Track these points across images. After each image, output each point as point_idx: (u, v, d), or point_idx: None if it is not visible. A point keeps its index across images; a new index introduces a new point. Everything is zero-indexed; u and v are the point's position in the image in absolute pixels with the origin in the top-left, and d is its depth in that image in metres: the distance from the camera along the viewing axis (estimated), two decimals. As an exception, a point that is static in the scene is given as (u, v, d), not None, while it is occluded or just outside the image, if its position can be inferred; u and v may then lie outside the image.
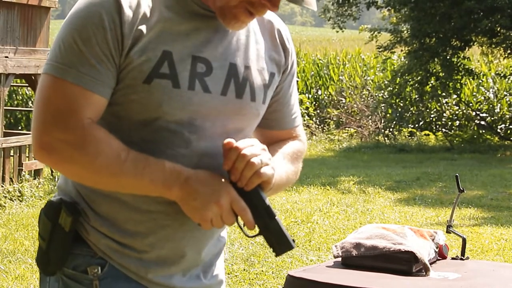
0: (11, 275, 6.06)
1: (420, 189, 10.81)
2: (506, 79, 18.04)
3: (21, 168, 9.59)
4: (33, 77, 9.97)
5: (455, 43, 16.08)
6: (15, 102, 19.11)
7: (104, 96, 1.83)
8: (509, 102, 17.54)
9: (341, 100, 19.14)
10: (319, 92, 20.00)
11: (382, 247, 3.12)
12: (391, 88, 17.29)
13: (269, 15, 2.05)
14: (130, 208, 1.90)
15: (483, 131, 17.08)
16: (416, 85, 16.45)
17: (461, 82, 16.48)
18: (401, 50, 17.26)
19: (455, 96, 17.15)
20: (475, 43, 16.61)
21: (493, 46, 16.50)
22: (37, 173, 9.97)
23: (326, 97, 19.74)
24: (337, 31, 18.46)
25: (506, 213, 9.08)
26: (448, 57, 15.92)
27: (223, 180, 1.85)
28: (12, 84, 11.08)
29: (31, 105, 18.04)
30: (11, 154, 9.54)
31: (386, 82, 18.06)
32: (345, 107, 18.91)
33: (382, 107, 17.85)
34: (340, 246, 3.22)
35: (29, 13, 9.78)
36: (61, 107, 1.81)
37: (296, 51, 22.23)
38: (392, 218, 8.63)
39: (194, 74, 1.87)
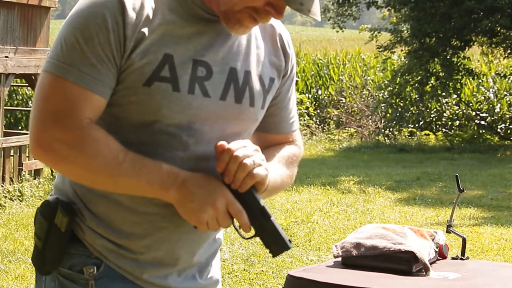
0: (11, 275, 6.06)
1: (420, 189, 10.81)
2: (506, 79, 18.05)
3: (21, 168, 9.60)
4: (33, 77, 9.97)
5: (455, 43, 16.08)
6: (15, 102, 19.11)
7: (103, 96, 1.83)
8: (509, 102, 17.54)
9: (341, 100, 19.14)
10: (319, 92, 20.01)
11: (382, 247, 3.12)
12: (391, 88, 17.29)
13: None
14: (127, 209, 1.90)
15: (483, 131, 17.09)
16: (416, 85, 16.45)
17: (461, 82, 16.48)
18: (401, 50, 17.27)
19: (455, 96, 17.16)
20: (475, 43, 16.61)
21: (493, 46, 16.51)
22: (37, 173, 9.97)
23: (326, 97, 19.75)
24: (337, 31, 18.47)
25: (506, 213, 9.08)
26: (448, 57, 15.92)
27: (219, 182, 1.85)
28: (12, 84, 11.08)
29: (31, 105, 17.98)
30: (11, 154, 9.54)
31: (386, 82, 18.06)
32: (345, 107, 18.91)
33: (382, 107, 17.85)
34: (340, 246, 3.21)
35: (29, 13, 9.78)
36: (60, 106, 1.80)
37: (296, 51, 22.23)
38: (392, 218, 8.63)
39: (194, 78, 1.87)
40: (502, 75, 17.50)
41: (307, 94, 19.63)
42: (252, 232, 1.89)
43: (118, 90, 1.85)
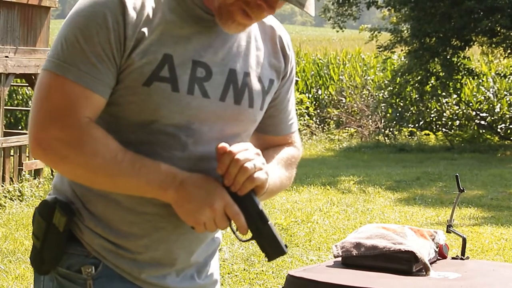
0: (11, 274, 6.06)
1: (420, 188, 10.81)
2: (506, 79, 18.05)
3: (21, 167, 9.59)
4: (33, 77, 9.97)
5: (455, 43, 16.08)
6: (15, 102, 19.11)
7: (103, 95, 1.83)
8: (509, 102, 17.54)
9: (341, 100, 19.14)
10: (319, 92, 20.01)
11: (382, 247, 3.12)
12: (391, 88, 17.29)
13: (271, 20, 2.05)
14: (125, 209, 1.90)
15: (483, 130, 17.08)
16: (416, 84, 16.45)
17: (461, 82, 16.48)
18: (401, 50, 17.27)
19: (455, 96, 17.16)
20: (475, 43, 16.61)
21: (493, 46, 16.51)
22: (37, 172, 9.97)
23: (326, 97, 19.75)
24: (337, 31, 18.46)
25: (506, 212, 9.08)
26: (448, 57, 15.92)
27: (218, 184, 1.85)
28: (12, 84, 11.08)
29: (31, 104, 18.02)
30: (11, 153, 9.54)
31: (386, 82, 18.06)
32: (345, 107, 18.91)
33: (382, 107, 17.85)
34: (340, 245, 3.21)
35: (29, 13, 9.78)
36: (60, 105, 1.80)
37: (296, 51, 22.23)
38: (392, 217, 8.63)
39: (194, 79, 1.87)
40: (502, 75, 17.51)
41: (307, 94, 19.62)
42: (249, 234, 1.88)
43: (117, 89, 1.85)
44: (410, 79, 16.49)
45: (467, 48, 16.38)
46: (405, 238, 3.17)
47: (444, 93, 16.50)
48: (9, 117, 18.23)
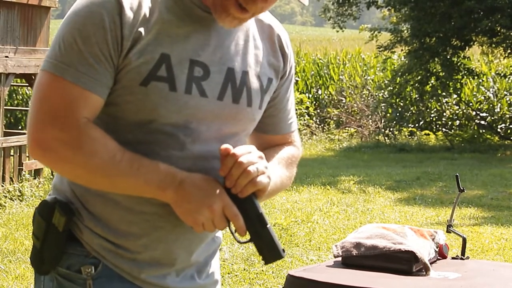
0: (11, 274, 6.06)
1: (420, 188, 10.81)
2: (506, 79, 18.05)
3: (21, 167, 9.59)
4: (33, 77, 9.97)
5: (455, 42, 16.09)
6: (15, 102, 19.11)
7: (101, 96, 1.83)
8: (509, 102, 17.54)
9: (341, 100, 19.14)
10: (319, 92, 20.01)
11: (382, 247, 3.12)
12: (391, 88, 17.29)
13: (269, 19, 2.05)
14: (124, 208, 1.90)
15: (483, 130, 17.09)
16: (416, 84, 16.45)
17: (461, 81, 16.48)
18: (401, 50, 17.27)
19: (455, 96, 17.16)
20: (475, 43, 16.62)
21: (493, 45, 16.51)
22: (37, 172, 9.97)
23: (326, 97, 19.75)
24: (337, 31, 18.47)
25: (506, 212, 9.08)
26: (448, 57, 15.93)
27: (217, 184, 1.85)
28: (12, 83, 11.08)
29: (30, 105, 18.01)
30: (11, 153, 9.54)
31: (386, 82, 18.06)
32: (345, 107, 18.91)
33: (382, 107, 17.85)
34: (340, 245, 3.21)
35: (29, 12, 9.78)
36: (58, 105, 1.80)
37: (296, 50, 22.23)
38: (392, 217, 8.63)
39: (191, 78, 1.87)
40: (502, 75, 17.51)
41: (307, 94, 19.62)
42: (248, 236, 1.88)
43: (115, 89, 1.85)
44: (410, 79, 16.49)
45: (467, 48, 16.38)
46: (405, 238, 3.17)
47: (444, 93, 16.50)
48: (9, 117, 18.23)
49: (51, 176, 10.25)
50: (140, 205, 1.89)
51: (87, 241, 1.92)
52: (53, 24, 10.98)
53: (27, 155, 9.90)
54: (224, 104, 1.91)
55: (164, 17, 1.86)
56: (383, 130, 17.69)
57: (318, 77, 20.41)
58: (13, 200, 8.97)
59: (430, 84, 16.43)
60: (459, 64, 16.12)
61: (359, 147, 16.64)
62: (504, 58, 17.36)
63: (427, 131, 17.30)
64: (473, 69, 16.58)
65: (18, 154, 9.60)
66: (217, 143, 1.89)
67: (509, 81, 18.15)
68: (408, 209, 9.20)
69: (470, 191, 10.24)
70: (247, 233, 1.87)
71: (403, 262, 3.09)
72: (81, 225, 1.92)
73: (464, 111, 17.58)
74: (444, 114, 17.69)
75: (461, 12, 15.24)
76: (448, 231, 3.50)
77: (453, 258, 3.44)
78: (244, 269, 6.23)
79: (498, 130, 17.06)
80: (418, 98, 16.91)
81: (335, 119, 18.69)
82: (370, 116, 18.14)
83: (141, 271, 1.93)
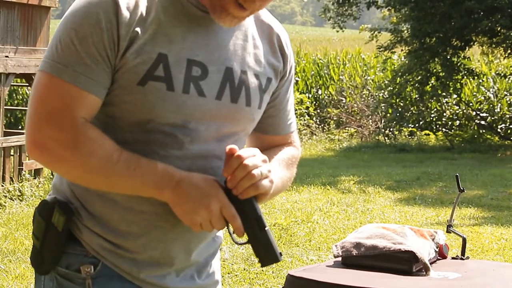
0: (11, 274, 6.06)
1: (420, 188, 10.81)
2: (506, 79, 18.05)
3: (21, 167, 9.60)
4: (33, 77, 9.93)
5: (455, 43, 16.09)
6: (15, 102, 19.11)
7: (98, 96, 1.83)
8: (509, 102, 17.54)
9: (342, 100, 19.14)
10: (320, 92, 20.01)
11: (382, 247, 3.12)
12: (391, 88, 17.29)
13: (269, 19, 2.04)
14: (123, 208, 1.90)
15: (483, 130, 17.09)
16: (417, 85, 16.45)
17: (461, 82, 16.48)
18: (401, 50, 17.27)
19: (455, 96, 17.16)
20: (475, 43, 16.62)
21: (493, 46, 16.51)
22: (37, 172, 9.97)
23: (326, 97, 19.75)
24: (338, 31, 18.47)
25: (506, 212, 9.08)
26: (448, 57, 15.93)
27: (216, 184, 1.85)
28: (12, 83, 11.08)
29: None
30: (11, 153, 9.54)
31: (386, 82, 18.06)
32: (345, 107, 18.91)
33: (382, 107, 17.85)
34: (340, 245, 3.21)
35: (29, 12, 9.78)
36: (55, 106, 1.81)
37: (297, 50, 22.23)
38: (392, 217, 8.64)
39: (189, 78, 1.86)
40: (502, 75, 17.51)
41: (307, 94, 19.62)
42: (245, 238, 1.88)
43: (112, 89, 1.85)
44: (410, 79, 16.49)
45: (467, 48, 16.39)
46: (405, 238, 3.17)
47: (444, 93, 16.50)
48: (9, 117, 18.23)
49: (51, 176, 10.25)
50: (139, 204, 1.89)
51: (87, 241, 1.92)
52: (53, 24, 10.96)
53: (27, 155, 9.90)
54: (223, 104, 1.91)
55: (161, 17, 1.86)
56: (383, 130, 17.69)
57: (318, 77, 20.41)
58: (13, 200, 8.97)
59: (430, 84, 16.43)
60: (459, 64, 16.12)
61: (359, 147, 16.64)
62: (504, 58, 17.36)
63: (427, 131, 17.30)
64: (473, 69, 16.58)
65: (18, 154, 9.60)
66: (216, 143, 1.89)
67: (509, 81, 18.15)
68: (408, 209, 9.20)
69: (470, 191, 10.24)
70: (245, 234, 1.87)
71: (403, 262, 3.09)
72: (80, 224, 1.92)
73: (464, 111, 17.58)
74: (444, 114, 17.69)
75: (461, 12, 15.24)
76: (448, 231, 3.50)
77: (453, 258, 3.44)
78: (244, 269, 6.23)
79: (498, 130, 17.06)
80: (418, 98, 16.91)
81: (335, 119, 18.69)
82: (370, 116, 18.14)
83: (141, 271, 1.93)
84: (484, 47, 16.98)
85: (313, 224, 8.08)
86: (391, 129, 17.65)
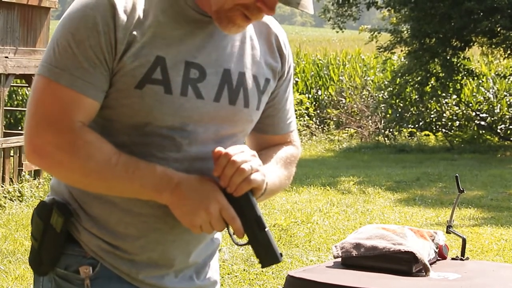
0: (11, 275, 6.05)
1: (420, 189, 10.81)
2: (506, 80, 18.05)
3: (21, 168, 9.59)
4: (33, 78, 9.93)
5: (455, 43, 16.09)
6: (15, 103, 19.10)
7: (96, 99, 1.83)
8: (509, 103, 17.54)
9: (341, 101, 19.14)
10: (319, 93, 20.00)
11: (382, 248, 3.12)
12: (391, 89, 17.29)
13: (266, 19, 2.03)
14: (122, 210, 1.90)
15: (483, 131, 17.09)
16: (416, 85, 16.45)
17: (461, 82, 16.48)
18: (401, 51, 17.27)
19: (455, 97, 17.16)
20: (475, 44, 16.61)
21: (493, 46, 16.51)
22: (37, 173, 9.96)
23: (326, 98, 19.74)
24: (337, 32, 18.47)
25: (506, 213, 9.08)
26: (448, 58, 15.92)
27: (215, 186, 1.84)
28: (12, 84, 11.07)
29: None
30: (11, 154, 9.53)
31: (386, 83, 18.06)
32: (345, 108, 18.91)
33: (382, 108, 17.85)
34: (340, 246, 3.21)
35: (29, 13, 9.78)
36: (53, 110, 1.81)
37: (296, 51, 22.23)
38: (392, 218, 8.63)
39: (187, 80, 1.86)
40: (502, 75, 17.52)
41: (307, 95, 19.61)
42: (246, 239, 1.88)
43: (110, 92, 1.85)
44: (410, 80, 16.49)
45: (467, 48, 16.39)
46: (405, 239, 3.17)
47: (444, 94, 16.50)
48: (9, 117, 18.22)
49: (51, 177, 10.22)
50: (137, 207, 1.89)
51: (85, 242, 1.92)
52: (53, 25, 10.97)
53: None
54: (221, 106, 1.91)
55: (160, 20, 1.86)
56: (383, 130, 17.69)
57: (318, 78, 20.41)
58: (13, 201, 8.97)
59: (430, 85, 16.42)
60: (459, 64, 16.12)
61: (359, 147, 16.64)
62: (504, 58, 17.36)
63: (427, 132, 17.30)
64: (473, 69, 16.58)
65: (18, 154, 9.60)
66: (215, 145, 1.89)
67: (509, 81, 18.15)
68: (408, 210, 9.20)
69: (470, 192, 10.24)
70: (245, 235, 1.87)
71: (403, 263, 3.09)
72: (78, 226, 1.92)
73: (464, 111, 17.58)
74: (444, 114, 17.69)
75: (461, 13, 15.24)
76: (448, 232, 3.50)
77: (452, 258, 3.44)
78: (244, 270, 6.23)
79: (498, 130, 17.06)
80: (418, 99, 16.91)
81: (335, 119, 18.69)
82: (370, 117, 18.14)
83: (139, 272, 1.93)
84: (484, 47, 16.98)
85: (313, 225, 8.07)
86: (391, 130, 17.65)
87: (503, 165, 13.66)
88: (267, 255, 1.87)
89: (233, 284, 5.93)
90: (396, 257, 3.09)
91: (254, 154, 1.87)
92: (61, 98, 1.81)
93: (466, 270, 3.23)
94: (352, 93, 19.10)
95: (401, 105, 17.37)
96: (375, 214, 8.87)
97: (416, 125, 17.68)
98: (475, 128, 17.22)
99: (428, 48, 15.83)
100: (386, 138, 17.38)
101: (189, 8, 1.89)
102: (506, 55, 16.53)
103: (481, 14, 15.46)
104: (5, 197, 8.98)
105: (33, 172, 9.90)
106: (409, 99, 17.18)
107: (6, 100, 17.69)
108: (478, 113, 17.39)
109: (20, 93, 19.13)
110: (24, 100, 19.02)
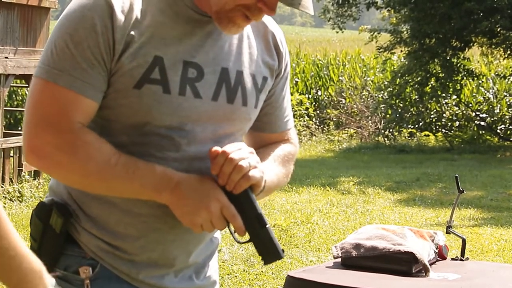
0: (10, 275, 6.05)
1: (420, 189, 10.81)
2: (506, 80, 18.06)
3: (21, 168, 9.59)
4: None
5: (455, 43, 16.09)
6: (15, 103, 19.10)
7: (95, 100, 1.83)
8: (508, 103, 17.55)
9: (341, 101, 19.14)
10: (319, 93, 20.00)
11: (381, 248, 3.12)
12: (391, 89, 17.29)
13: (264, 18, 2.04)
14: (121, 210, 1.89)
15: (483, 131, 17.09)
16: (416, 85, 16.45)
17: (461, 82, 16.49)
18: (401, 51, 17.27)
19: (455, 97, 17.16)
20: (475, 44, 16.62)
21: (493, 46, 16.51)
22: (37, 173, 9.96)
23: (326, 98, 19.74)
24: (337, 32, 18.47)
25: (506, 213, 9.08)
26: (448, 58, 15.93)
27: (214, 185, 1.85)
28: (12, 84, 11.08)
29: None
30: (11, 154, 9.54)
31: (386, 83, 18.06)
32: (345, 108, 18.91)
33: (382, 108, 17.85)
34: (340, 246, 3.22)
35: (29, 13, 9.78)
36: (52, 111, 1.81)
37: (296, 51, 22.24)
38: (392, 218, 8.63)
39: (185, 80, 1.86)
40: (501, 76, 17.52)
41: (306, 95, 19.62)
42: (247, 237, 1.88)
43: (109, 93, 1.85)
44: (410, 80, 16.49)
45: (466, 49, 16.39)
46: (404, 239, 3.17)
47: (444, 94, 16.50)
48: (9, 118, 18.22)
49: (50, 178, 10.24)
50: (137, 207, 1.89)
51: (85, 243, 1.92)
52: (52, 25, 10.94)
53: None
54: (219, 105, 1.91)
55: (158, 20, 1.86)
56: (382, 131, 17.69)
57: (317, 78, 20.41)
58: (12, 201, 8.97)
59: (430, 85, 16.43)
60: (458, 65, 16.13)
61: (358, 148, 16.64)
62: (503, 59, 17.37)
63: (426, 132, 17.30)
64: (473, 70, 16.59)
65: (17, 155, 9.60)
66: (213, 144, 1.89)
67: (509, 82, 18.16)
68: (408, 210, 9.20)
69: (470, 192, 10.24)
70: (247, 233, 1.87)
71: (403, 263, 3.09)
72: (78, 226, 1.92)
73: (464, 112, 17.58)
74: (444, 115, 17.69)
75: (461, 13, 15.25)
76: (447, 232, 3.50)
77: (452, 259, 3.44)
78: (244, 270, 6.23)
79: (498, 131, 17.06)
80: (417, 99, 16.91)
81: (334, 120, 18.69)
82: (369, 117, 18.14)
83: (139, 272, 1.93)
84: (483, 48, 16.99)
85: (313, 225, 8.08)
86: (391, 130, 17.65)
87: (503, 165, 13.66)
88: (269, 251, 1.87)
89: (233, 284, 5.93)
90: (396, 257, 3.09)
91: (252, 151, 1.87)
92: (60, 99, 1.81)
93: (466, 270, 3.23)
94: (352, 93, 19.10)
95: (401, 105, 17.38)
96: (375, 215, 8.87)
97: (416, 126, 17.68)
98: (475, 129, 17.23)
99: (428, 48, 15.83)
100: (386, 139, 17.39)
101: (187, 8, 1.89)
102: (506, 56, 16.53)
103: (481, 14, 15.47)
104: (5, 198, 8.98)
105: (33, 173, 9.91)
106: (409, 100, 17.18)
107: (6, 101, 17.69)
108: (478, 113, 17.40)
109: (20, 93, 19.13)
110: (24, 101, 19.02)
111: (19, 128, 17.69)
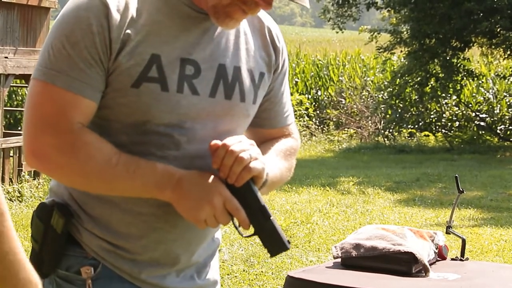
0: (10, 275, 6.05)
1: (419, 190, 10.81)
2: (506, 80, 18.06)
3: (20, 168, 9.59)
4: (33, 78, 9.96)
5: (455, 44, 16.09)
6: (15, 103, 19.10)
7: (93, 100, 1.83)
8: (508, 103, 17.55)
9: (341, 101, 19.15)
10: (319, 93, 20.01)
11: (381, 248, 3.12)
12: (391, 89, 17.29)
13: (260, 13, 2.03)
14: (122, 210, 1.89)
15: (483, 132, 17.09)
16: (416, 86, 16.46)
17: (461, 83, 16.49)
18: (401, 51, 17.27)
19: (454, 97, 17.17)
20: (475, 44, 16.62)
21: (493, 47, 16.52)
22: (36, 173, 9.96)
23: (325, 98, 19.75)
24: (337, 32, 18.48)
25: (506, 214, 9.08)
26: (448, 58, 15.93)
27: (216, 179, 1.84)
28: (11, 84, 11.08)
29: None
30: (11, 154, 9.54)
31: (386, 83, 18.07)
32: (345, 108, 18.91)
33: (382, 108, 17.85)
34: (339, 246, 3.22)
35: (28, 13, 9.78)
36: (51, 112, 1.81)
37: (296, 51, 22.25)
38: (392, 219, 8.63)
39: (183, 77, 1.86)
40: (501, 76, 17.53)
41: (306, 95, 19.62)
42: (251, 230, 1.88)
43: (107, 92, 1.85)
44: (410, 80, 16.49)
45: (466, 49, 16.39)
46: (404, 239, 3.17)
47: (443, 94, 16.50)
48: (9, 118, 18.22)
49: (50, 178, 10.23)
50: (138, 206, 1.89)
51: (86, 243, 1.91)
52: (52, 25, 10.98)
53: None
54: (216, 101, 1.91)
55: (154, 18, 1.86)
56: (382, 131, 17.69)
57: (317, 78, 20.42)
58: (12, 201, 8.97)
59: (430, 85, 16.43)
60: (458, 65, 16.13)
61: (358, 148, 16.64)
62: (503, 59, 17.37)
63: (426, 132, 17.30)
64: (473, 70, 16.59)
65: (17, 155, 9.60)
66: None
67: (509, 82, 18.16)
68: (408, 210, 9.20)
69: (470, 192, 10.24)
70: (251, 226, 1.87)
71: (403, 263, 3.09)
72: (79, 226, 1.92)
73: (464, 112, 17.59)
74: (444, 115, 17.70)
75: (460, 13, 15.25)
76: (447, 232, 3.50)
77: (452, 259, 3.44)
78: (244, 270, 6.23)
79: (498, 131, 17.07)
80: (417, 99, 16.91)
81: (334, 120, 18.70)
82: (369, 117, 18.15)
83: (141, 272, 1.93)
84: (483, 48, 16.99)
85: (313, 225, 8.08)
86: (391, 130, 17.66)
87: (502, 165, 13.66)
88: (274, 243, 1.87)
89: (233, 284, 5.93)
90: (396, 257, 3.09)
91: (253, 143, 1.87)
92: (59, 100, 1.81)
93: (465, 270, 3.23)
94: (351, 93, 19.11)
95: (401, 105, 17.38)
96: (374, 215, 8.87)
97: (416, 126, 17.68)
98: (475, 129, 17.23)
99: (428, 48, 15.83)
100: (385, 139, 17.39)
101: (183, 5, 1.89)
102: (506, 56, 16.53)
103: (481, 14, 15.47)
104: (5, 198, 8.96)
105: (32, 173, 9.91)
106: (409, 100, 17.18)
107: (6, 100, 17.70)
108: (477, 113, 17.40)
109: (20, 93, 19.13)
110: (24, 100, 18.98)
111: (19, 128, 17.69)
